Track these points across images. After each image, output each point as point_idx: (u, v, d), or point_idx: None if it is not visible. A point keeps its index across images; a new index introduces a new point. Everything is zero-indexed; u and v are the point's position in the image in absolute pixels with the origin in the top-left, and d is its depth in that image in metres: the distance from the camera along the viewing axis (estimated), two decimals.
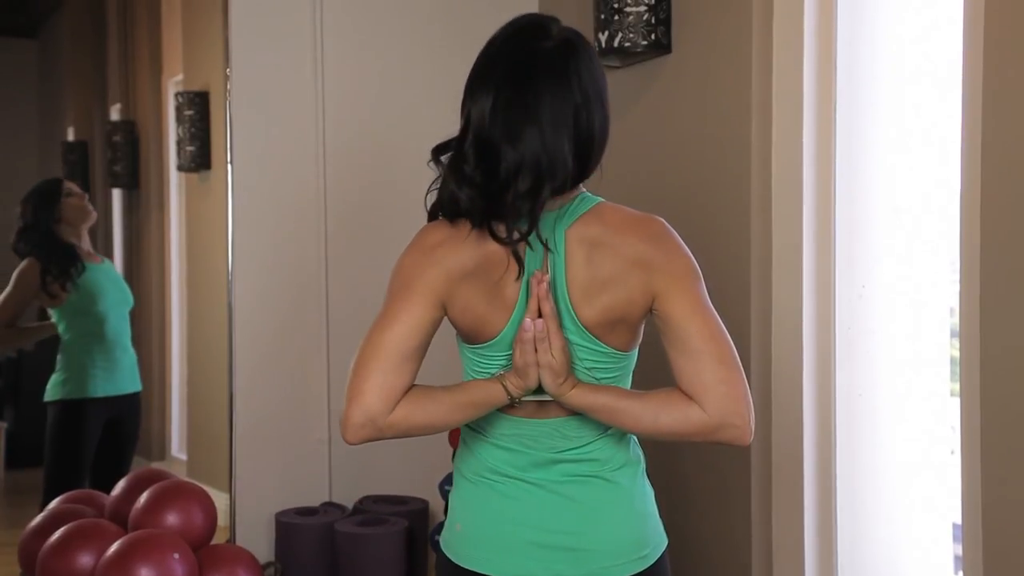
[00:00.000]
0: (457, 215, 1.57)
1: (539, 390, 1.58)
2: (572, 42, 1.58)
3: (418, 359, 1.56)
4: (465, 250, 1.56)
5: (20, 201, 3.35)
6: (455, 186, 1.55)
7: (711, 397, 1.51)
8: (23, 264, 3.28)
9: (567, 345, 1.55)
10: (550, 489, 1.61)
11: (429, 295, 1.56)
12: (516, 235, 1.52)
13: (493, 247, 1.55)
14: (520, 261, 1.54)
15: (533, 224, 1.52)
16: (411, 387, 1.55)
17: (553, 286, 1.55)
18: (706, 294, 1.56)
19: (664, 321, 1.55)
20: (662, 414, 1.54)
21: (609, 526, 1.62)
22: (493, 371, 1.60)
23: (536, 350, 1.52)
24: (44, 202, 3.33)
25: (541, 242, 1.54)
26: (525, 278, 1.56)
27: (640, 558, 1.63)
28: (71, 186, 3.40)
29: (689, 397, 1.52)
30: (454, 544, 1.66)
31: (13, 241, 3.29)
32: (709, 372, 1.51)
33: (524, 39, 1.57)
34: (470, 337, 1.62)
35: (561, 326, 1.55)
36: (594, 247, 1.56)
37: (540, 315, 1.53)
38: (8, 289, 3.28)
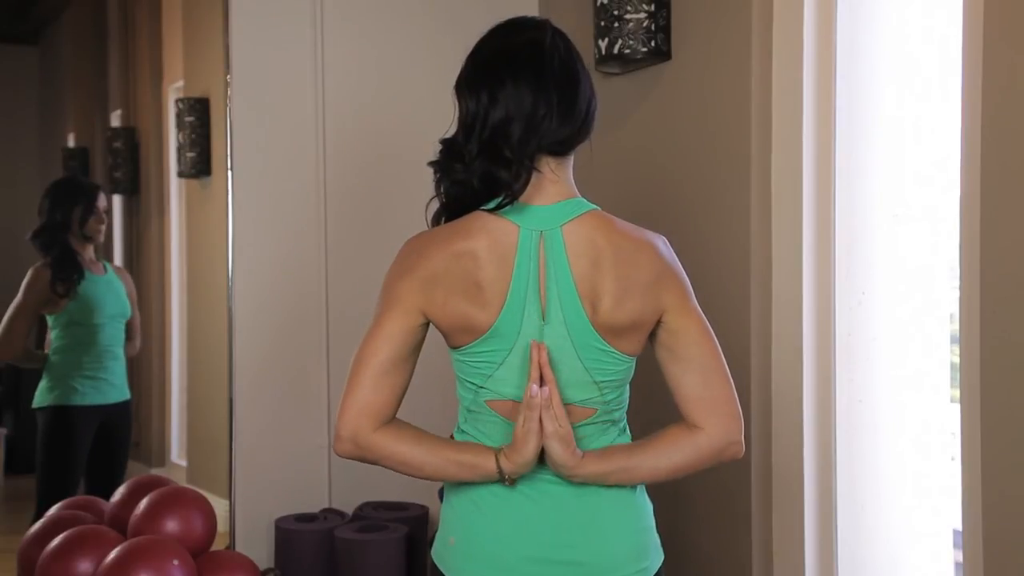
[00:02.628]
0: (459, 197, 1.60)
1: (540, 465, 1.58)
2: (545, 26, 1.65)
3: (400, 372, 1.58)
4: (433, 253, 1.58)
5: (46, 195, 3.34)
6: (454, 160, 1.59)
7: (718, 416, 1.59)
8: (29, 274, 3.28)
9: (566, 414, 1.56)
10: (546, 499, 1.61)
11: (404, 304, 1.58)
12: (508, 195, 1.56)
13: (460, 245, 1.57)
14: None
15: (528, 175, 1.56)
16: (396, 408, 1.58)
17: (558, 281, 1.56)
18: None
19: (675, 336, 1.60)
20: (674, 453, 1.59)
21: (608, 538, 1.62)
22: (487, 373, 1.59)
23: (541, 418, 1.54)
24: (73, 207, 3.33)
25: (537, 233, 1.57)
26: (516, 260, 1.56)
27: (640, 571, 1.63)
28: (102, 206, 3.39)
29: (689, 426, 1.59)
30: (448, 558, 1.65)
31: (30, 235, 3.30)
32: (719, 390, 1.60)
33: (501, 34, 1.65)
34: (459, 337, 1.60)
35: (568, 333, 1.56)
36: (605, 252, 1.58)
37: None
38: (19, 299, 3.27)
